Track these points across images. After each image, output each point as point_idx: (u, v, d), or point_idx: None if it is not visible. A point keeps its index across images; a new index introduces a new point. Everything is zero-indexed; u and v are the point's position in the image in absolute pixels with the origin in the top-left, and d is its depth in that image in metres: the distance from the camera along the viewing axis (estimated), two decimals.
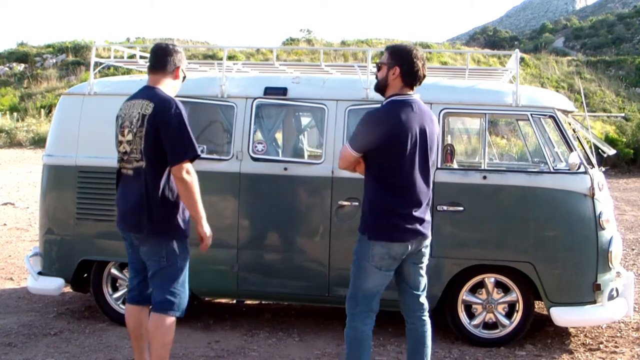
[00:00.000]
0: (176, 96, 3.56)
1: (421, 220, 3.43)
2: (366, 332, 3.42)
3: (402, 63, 3.37)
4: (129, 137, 3.42)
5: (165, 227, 3.42)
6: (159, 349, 3.45)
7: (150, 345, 3.50)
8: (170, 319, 3.47)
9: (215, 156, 4.88)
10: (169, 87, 3.54)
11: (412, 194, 3.38)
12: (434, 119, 3.50)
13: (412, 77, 3.39)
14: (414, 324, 3.56)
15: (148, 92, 3.47)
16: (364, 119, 3.40)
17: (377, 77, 3.48)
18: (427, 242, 3.51)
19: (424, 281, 3.56)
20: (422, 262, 3.51)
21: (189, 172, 3.36)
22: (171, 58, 3.53)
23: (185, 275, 3.54)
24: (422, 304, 3.56)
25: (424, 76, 3.43)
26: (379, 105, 3.46)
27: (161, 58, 3.54)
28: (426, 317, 3.58)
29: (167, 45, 3.60)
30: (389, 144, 3.30)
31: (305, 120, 5.65)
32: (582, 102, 7.40)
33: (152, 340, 3.47)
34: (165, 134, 3.33)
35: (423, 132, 3.37)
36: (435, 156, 3.60)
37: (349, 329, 3.45)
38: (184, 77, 3.66)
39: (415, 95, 3.44)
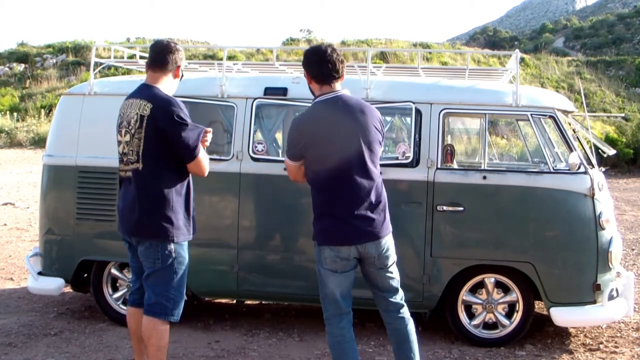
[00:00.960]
0: (176, 96, 3.54)
1: (366, 219, 3.26)
2: (344, 335, 3.35)
3: (307, 66, 3.36)
4: (127, 138, 3.40)
5: (162, 229, 3.37)
6: (155, 352, 3.42)
7: (146, 348, 3.48)
8: (164, 323, 3.42)
9: (215, 156, 4.87)
10: (167, 85, 3.49)
11: (350, 194, 3.24)
12: (366, 110, 3.32)
13: (319, 75, 3.31)
14: (391, 323, 3.47)
15: (146, 92, 3.42)
16: (290, 127, 3.39)
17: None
18: (386, 243, 3.35)
19: (394, 282, 3.44)
20: (387, 266, 3.39)
21: (202, 163, 3.44)
22: (172, 56, 3.48)
23: (181, 280, 3.47)
24: (397, 304, 3.45)
25: (333, 67, 3.30)
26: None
27: (162, 55, 3.48)
28: (404, 314, 3.45)
29: (167, 42, 3.54)
30: (314, 146, 3.24)
31: None
32: (582, 102, 7.39)
33: (148, 344, 3.43)
34: (172, 136, 3.31)
35: (351, 126, 3.24)
36: (378, 147, 3.36)
37: (327, 335, 3.41)
38: (182, 77, 3.62)
39: (343, 90, 3.33)
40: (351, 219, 3.23)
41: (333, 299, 3.34)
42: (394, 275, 3.44)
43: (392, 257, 3.42)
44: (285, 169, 3.51)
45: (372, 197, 3.28)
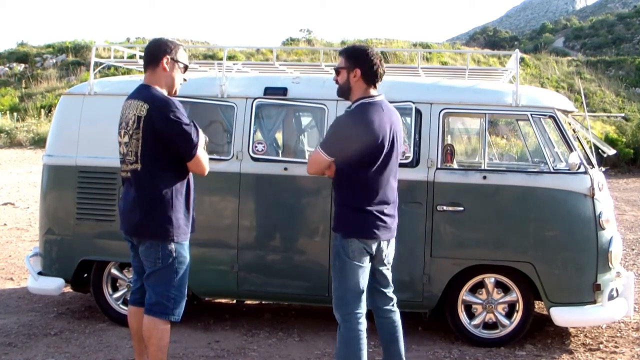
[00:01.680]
0: (177, 96, 3.53)
1: (392, 217, 3.53)
2: (363, 332, 3.45)
3: (361, 64, 3.41)
4: (126, 139, 3.40)
5: (162, 229, 3.37)
6: (156, 352, 3.42)
7: (147, 348, 3.47)
8: (164, 323, 3.41)
9: (215, 156, 4.87)
10: (162, 82, 3.44)
11: (385, 193, 3.47)
12: (399, 116, 3.57)
13: (372, 76, 3.43)
14: (385, 317, 3.63)
15: (143, 92, 3.40)
16: (337, 123, 3.46)
17: (337, 82, 3.52)
18: (393, 241, 3.61)
19: (390, 277, 3.64)
20: (389, 263, 3.60)
21: (202, 161, 3.42)
22: (159, 50, 3.42)
23: (182, 279, 3.46)
24: (392, 297, 3.64)
25: (384, 72, 3.50)
26: (351, 109, 3.47)
27: (150, 53, 3.45)
28: (395, 308, 3.65)
29: (157, 39, 3.49)
30: (365, 147, 3.35)
31: (305, 120, 5.65)
32: (582, 102, 7.40)
33: (148, 344, 3.43)
34: (169, 136, 3.30)
35: (393, 131, 3.44)
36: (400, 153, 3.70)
37: (346, 330, 3.44)
38: (186, 67, 3.53)
39: (381, 95, 3.49)
40: (383, 215, 3.45)
41: (358, 293, 3.43)
42: (390, 270, 3.66)
43: (393, 253, 3.67)
44: (310, 160, 3.52)
45: (397, 197, 3.59)
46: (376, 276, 3.57)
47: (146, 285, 3.47)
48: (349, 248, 3.41)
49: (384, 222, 3.46)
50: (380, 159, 3.40)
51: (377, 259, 3.52)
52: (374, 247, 3.46)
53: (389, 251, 3.57)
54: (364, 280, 3.45)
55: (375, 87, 3.47)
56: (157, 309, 3.40)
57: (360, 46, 3.53)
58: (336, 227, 3.48)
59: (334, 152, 3.39)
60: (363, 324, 3.45)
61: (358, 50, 3.47)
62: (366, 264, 3.46)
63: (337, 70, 3.50)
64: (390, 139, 3.42)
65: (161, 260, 3.39)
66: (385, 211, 3.47)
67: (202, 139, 3.46)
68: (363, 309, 3.46)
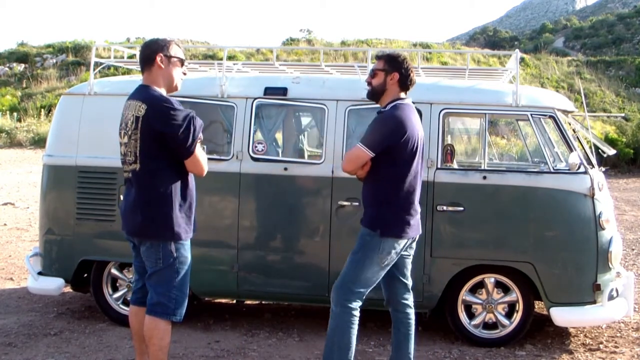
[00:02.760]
0: (176, 96, 3.52)
1: (419, 216, 3.70)
2: (356, 322, 3.58)
3: (400, 70, 3.60)
4: (125, 139, 3.39)
5: (162, 229, 3.37)
6: (156, 351, 3.41)
7: (147, 348, 3.47)
8: (165, 323, 3.41)
9: (215, 156, 4.87)
10: (160, 81, 3.41)
11: (418, 192, 3.64)
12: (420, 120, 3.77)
13: (407, 82, 3.63)
14: (402, 312, 3.74)
15: (142, 93, 3.39)
16: (382, 120, 3.58)
17: (371, 84, 3.68)
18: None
19: (410, 268, 3.77)
20: (412, 253, 3.76)
21: (200, 160, 3.40)
22: (151, 49, 3.39)
23: (183, 279, 3.45)
24: (410, 291, 3.77)
25: (415, 82, 3.72)
26: (388, 109, 3.59)
27: (144, 53, 3.43)
28: (412, 304, 3.77)
29: (149, 40, 3.47)
30: (406, 145, 3.50)
31: (305, 120, 5.65)
32: (582, 102, 7.40)
33: (149, 343, 3.42)
34: (167, 135, 3.30)
35: (421, 131, 3.65)
36: None
37: (341, 314, 3.56)
38: (182, 61, 3.48)
39: (410, 98, 3.69)
40: (416, 214, 3.63)
41: (366, 287, 3.56)
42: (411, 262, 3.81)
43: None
44: (350, 157, 3.58)
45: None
46: (400, 266, 3.70)
47: (148, 286, 3.47)
48: (381, 246, 3.53)
49: (417, 220, 3.63)
50: (416, 158, 3.57)
51: (405, 250, 3.66)
52: (404, 244, 3.60)
53: (414, 244, 3.73)
54: (377, 279, 3.59)
55: (406, 92, 3.67)
56: (159, 309, 3.40)
57: (399, 53, 3.71)
58: (372, 225, 3.56)
59: (377, 147, 3.49)
60: (357, 315, 3.58)
61: (397, 56, 3.66)
62: (389, 264, 3.59)
63: (374, 73, 3.66)
64: (420, 141, 3.61)
65: (162, 261, 3.39)
66: (416, 210, 3.63)
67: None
68: (362, 301, 3.59)
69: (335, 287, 3.61)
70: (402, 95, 3.64)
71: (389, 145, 3.50)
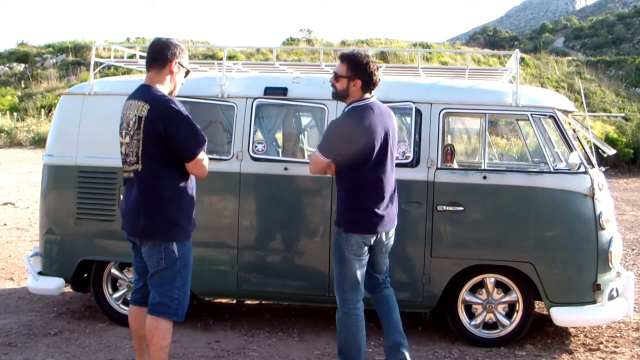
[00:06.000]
0: (177, 96, 3.52)
1: (390, 212, 3.81)
2: (359, 315, 3.76)
3: (363, 75, 3.67)
4: (127, 139, 3.39)
5: (164, 229, 3.37)
6: (157, 351, 3.42)
7: (148, 348, 3.47)
8: (167, 322, 3.41)
9: (215, 156, 4.87)
10: (166, 83, 3.44)
11: (382, 190, 3.73)
12: (392, 115, 3.85)
13: (371, 86, 3.72)
14: (381, 292, 3.99)
15: (144, 93, 3.38)
16: (331, 127, 3.75)
17: (335, 87, 3.77)
18: (393, 230, 3.92)
19: (387, 264, 3.99)
20: (388, 250, 3.93)
21: (203, 163, 3.41)
22: (167, 52, 3.41)
23: (185, 279, 3.46)
24: (385, 280, 4.01)
25: (379, 81, 3.78)
26: (341, 115, 3.77)
27: (156, 53, 3.43)
28: (388, 285, 4.02)
29: (163, 39, 3.47)
30: (358, 147, 3.61)
31: (305, 120, 5.65)
32: (582, 102, 7.40)
33: (150, 343, 3.43)
34: (169, 137, 3.29)
35: (386, 131, 3.71)
36: (396, 150, 3.99)
37: (343, 314, 3.78)
38: (187, 72, 3.54)
39: (373, 97, 3.77)
40: (380, 210, 3.72)
41: (355, 282, 3.74)
42: (387, 257, 3.99)
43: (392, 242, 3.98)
44: (311, 161, 3.80)
45: (394, 192, 3.86)
46: (373, 264, 3.87)
47: (150, 286, 3.47)
48: (348, 242, 3.72)
49: (382, 216, 3.73)
50: (374, 157, 3.65)
51: (376, 249, 3.83)
52: (373, 239, 3.76)
53: (388, 240, 3.88)
54: (360, 271, 3.76)
55: (370, 92, 3.75)
56: (160, 309, 3.40)
57: (362, 56, 3.71)
58: (337, 221, 3.78)
59: (330, 154, 3.67)
60: (360, 309, 3.76)
61: (361, 62, 3.67)
62: (364, 256, 3.77)
63: (337, 77, 3.72)
64: (383, 138, 3.68)
65: (164, 261, 3.39)
66: (382, 206, 3.73)
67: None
68: (360, 295, 3.77)
69: (335, 289, 3.83)
70: (367, 95, 3.73)
71: (340, 153, 3.64)
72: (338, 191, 3.81)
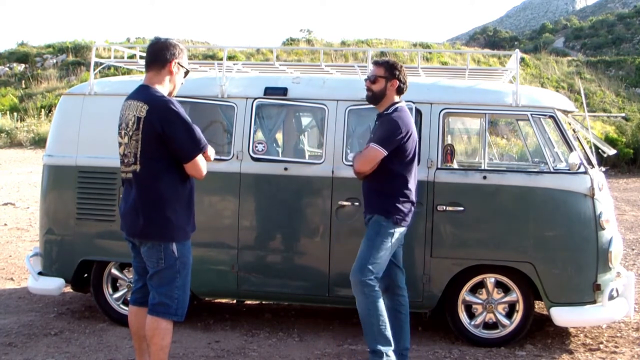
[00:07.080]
0: (177, 96, 3.52)
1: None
2: (378, 293, 3.90)
3: (399, 76, 4.00)
4: (125, 140, 3.38)
5: (164, 230, 3.37)
6: (157, 351, 3.41)
7: (149, 347, 3.47)
8: (167, 322, 3.41)
9: (215, 156, 4.87)
10: (165, 84, 3.43)
11: (416, 184, 4.07)
12: None
13: (404, 88, 4.05)
14: (401, 296, 4.13)
15: (143, 93, 3.38)
16: (391, 122, 3.91)
17: (371, 89, 4.02)
18: None
19: (402, 255, 4.20)
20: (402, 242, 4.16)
21: (201, 165, 3.40)
22: (166, 53, 3.40)
23: (185, 279, 3.46)
24: (403, 275, 4.18)
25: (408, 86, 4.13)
26: (391, 111, 3.95)
27: (155, 54, 3.42)
28: (405, 288, 4.17)
29: (162, 39, 3.46)
30: (410, 143, 3.93)
31: (305, 120, 5.66)
32: (582, 102, 7.40)
33: (150, 343, 3.43)
34: (169, 135, 3.29)
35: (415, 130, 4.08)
36: None
37: (362, 295, 3.86)
38: (187, 72, 3.53)
39: (403, 101, 4.09)
40: (414, 204, 4.05)
41: (379, 267, 3.90)
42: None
43: None
44: (366, 158, 3.89)
45: None
46: (397, 253, 4.09)
47: (150, 286, 3.47)
48: (394, 233, 3.92)
49: (414, 209, 4.06)
50: (415, 155, 4.01)
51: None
52: (404, 232, 4.04)
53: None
54: (386, 263, 3.95)
55: (400, 96, 4.07)
56: (161, 309, 3.40)
57: (395, 61, 4.07)
58: (388, 213, 3.91)
59: (388, 148, 3.86)
60: (379, 291, 3.89)
61: (395, 65, 4.02)
62: (394, 249, 4.00)
63: (374, 79, 3.99)
64: (416, 136, 4.06)
65: (164, 261, 3.39)
66: (416, 201, 4.07)
67: (211, 151, 3.49)
68: (379, 280, 3.92)
69: (354, 271, 3.89)
70: (397, 99, 4.03)
71: (398, 145, 3.87)
72: (381, 185, 3.93)
